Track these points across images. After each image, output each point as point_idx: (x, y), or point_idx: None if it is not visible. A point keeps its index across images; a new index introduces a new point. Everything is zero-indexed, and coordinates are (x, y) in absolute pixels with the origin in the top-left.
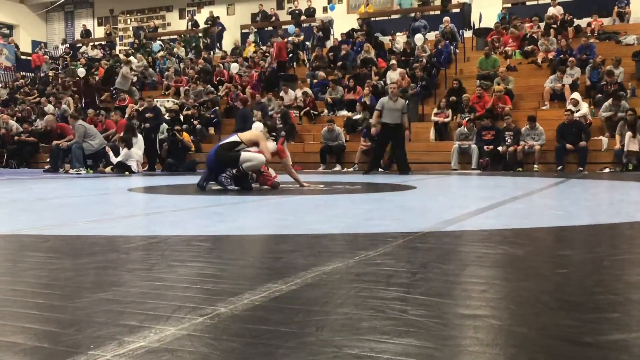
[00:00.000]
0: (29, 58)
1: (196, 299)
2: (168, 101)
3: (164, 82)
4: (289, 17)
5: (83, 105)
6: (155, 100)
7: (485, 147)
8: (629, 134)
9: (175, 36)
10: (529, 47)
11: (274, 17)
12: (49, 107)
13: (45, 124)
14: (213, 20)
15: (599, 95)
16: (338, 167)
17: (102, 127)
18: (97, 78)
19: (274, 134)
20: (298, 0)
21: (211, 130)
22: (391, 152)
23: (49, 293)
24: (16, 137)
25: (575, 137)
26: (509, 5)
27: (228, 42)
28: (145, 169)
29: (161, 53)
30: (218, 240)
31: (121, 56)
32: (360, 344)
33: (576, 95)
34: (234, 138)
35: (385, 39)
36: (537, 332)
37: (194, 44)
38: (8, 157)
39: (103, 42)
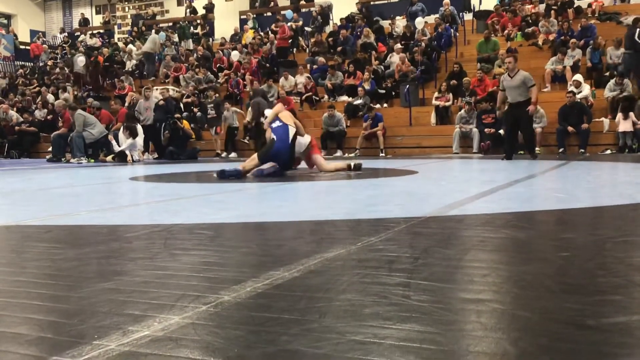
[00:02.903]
0: (28, 48)
1: (199, 288)
2: (167, 89)
3: (163, 70)
4: (287, 3)
5: (84, 94)
6: (169, 89)
7: (486, 131)
8: (619, 114)
9: (171, 23)
10: (530, 29)
11: (272, 3)
12: (50, 97)
13: (56, 109)
14: (210, 7)
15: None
16: (339, 153)
17: (97, 118)
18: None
19: None
20: None
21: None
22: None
23: (53, 283)
24: (17, 127)
25: (576, 119)
26: None
27: (227, 28)
28: (156, 157)
29: (161, 41)
30: (220, 228)
31: (120, 44)
32: (363, 330)
33: (578, 77)
34: (290, 129)
35: (385, 23)
36: (540, 316)
37: (185, 32)
38: (9, 148)
39: (101, 31)
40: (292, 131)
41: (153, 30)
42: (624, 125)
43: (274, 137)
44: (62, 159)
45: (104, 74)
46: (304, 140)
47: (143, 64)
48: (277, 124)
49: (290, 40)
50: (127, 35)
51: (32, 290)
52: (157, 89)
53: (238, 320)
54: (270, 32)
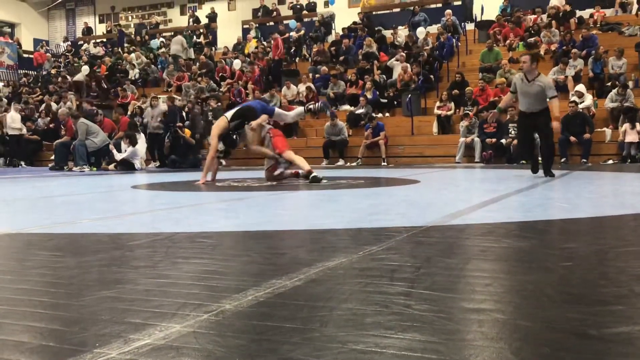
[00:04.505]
0: (31, 56)
1: (201, 296)
2: (173, 98)
3: (166, 79)
4: (290, 12)
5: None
6: (174, 98)
7: (487, 141)
8: (626, 124)
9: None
10: (532, 39)
11: (275, 12)
12: (53, 105)
13: (60, 117)
14: (213, 17)
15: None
16: (341, 162)
17: (100, 126)
18: (99, 75)
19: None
20: None
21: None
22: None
23: (54, 291)
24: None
25: (579, 129)
26: None
27: (230, 37)
28: (158, 165)
29: (162, 50)
30: (222, 237)
31: (123, 54)
32: (365, 339)
33: (581, 87)
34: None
35: (387, 33)
36: (542, 326)
37: (188, 41)
38: (12, 156)
39: (105, 40)
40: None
41: (155, 39)
42: (631, 136)
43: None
44: (65, 168)
45: (107, 82)
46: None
47: (146, 73)
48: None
49: (292, 50)
50: (128, 45)
51: (33, 298)
52: (161, 98)
53: (239, 329)
54: (272, 40)
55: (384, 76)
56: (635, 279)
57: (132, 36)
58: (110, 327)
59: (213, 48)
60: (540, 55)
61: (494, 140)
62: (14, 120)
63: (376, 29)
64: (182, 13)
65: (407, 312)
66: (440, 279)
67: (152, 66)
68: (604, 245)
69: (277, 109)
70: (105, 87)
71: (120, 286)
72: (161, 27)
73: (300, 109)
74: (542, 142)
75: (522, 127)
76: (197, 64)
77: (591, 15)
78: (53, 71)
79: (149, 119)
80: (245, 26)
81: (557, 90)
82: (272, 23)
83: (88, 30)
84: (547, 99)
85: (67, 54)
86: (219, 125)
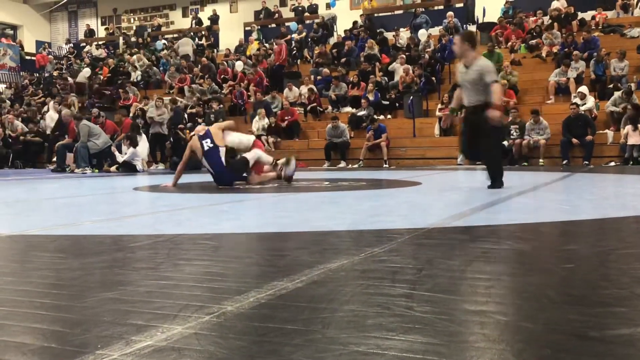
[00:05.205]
0: (33, 58)
1: (202, 298)
2: (175, 99)
3: (168, 81)
4: (292, 14)
5: (87, 104)
6: (176, 99)
7: None
8: (629, 127)
9: (177, 35)
10: (534, 41)
11: (277, 15)
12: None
13: (63, 119)
14: (215, 19)
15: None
16: (343, 164)
17: (102, 128)
18: (101, 78)
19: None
20: None
21: None
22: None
23: (56, 293)
24: (22, 138)
25: (580, 131)
26: None
27: (231, 39)
28: (163, 167)
29: (165, 52)
30: (223, 239)
31: (125, 56)
32: (367, 340)
33: (583, 89)
34: (221, 150)
35: (389, 35)
36: (544, 327)
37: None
38: (14, 158)
39: (107, 42)
40: (222, 152)
41: (158, 41)
42: (634, 138)
43: (208, 166)
44: (67, 169)
45: (107, 87)
46: (250, 155)
47: (148, 75)
48: (208, 145)
49: (294, 52)
50: (126, 46)
51: (35, 300)
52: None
53: (241, 331)
54: (275, 44)
55: (386, 78)
56: (637, 280)
57: (132, 38)
58: (112, 329)
59: (215, 50)
60: (474, 35)
61: None
62: (53, 120)
63: (378, 30)
64: (184, 15)
65: (409, 313)
66: (442, 280)
67: (154, 68)
68: (605, 247)
69: (249, 158)
70: (108, 92)
71: (122, 288)
72: (163, 29)
73: (269, 159)
74: (480, 145)
75: (465, 126)
76: (199, 65)
77: (593, 17)
78: (55, 73)
79: (154, 116)
80: (247, 28)
81: (559, 92)
82: (273, 25)
83: (90, 33)
84: (489, 83)
85: (69, 56)
86: (194, 145)
